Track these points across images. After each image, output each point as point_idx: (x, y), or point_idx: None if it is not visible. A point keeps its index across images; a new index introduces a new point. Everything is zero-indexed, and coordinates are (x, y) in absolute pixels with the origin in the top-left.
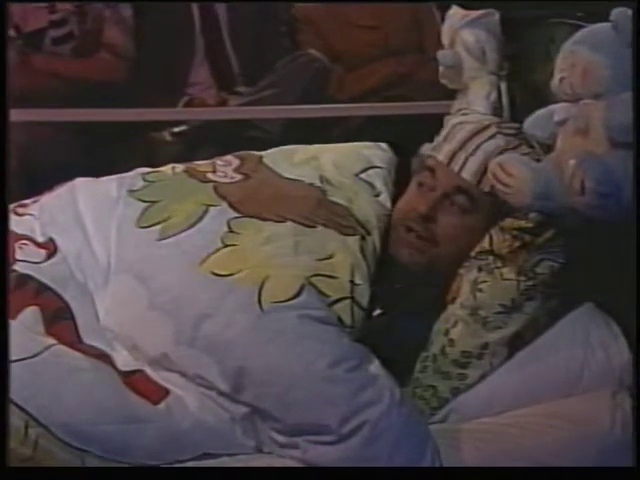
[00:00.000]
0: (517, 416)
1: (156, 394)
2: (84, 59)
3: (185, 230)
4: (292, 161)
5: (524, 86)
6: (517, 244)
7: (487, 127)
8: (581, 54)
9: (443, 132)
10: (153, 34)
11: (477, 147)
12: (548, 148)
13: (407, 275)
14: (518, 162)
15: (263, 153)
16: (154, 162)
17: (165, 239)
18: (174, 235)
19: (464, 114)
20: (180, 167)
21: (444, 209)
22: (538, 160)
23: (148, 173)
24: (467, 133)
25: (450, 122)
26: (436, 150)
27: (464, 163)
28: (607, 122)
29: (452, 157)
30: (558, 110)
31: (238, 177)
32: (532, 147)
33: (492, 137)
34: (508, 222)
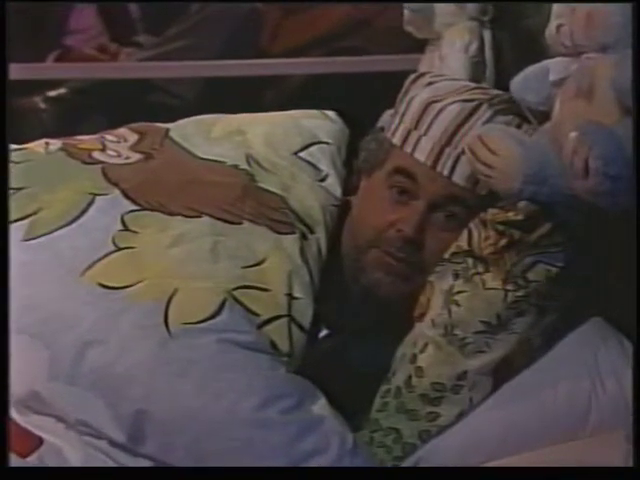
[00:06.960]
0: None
1: (25, 444)
2: None
3: (62, 227)
4: (209, 136)
5: (513, 35)
6: (503, 242)
7: (478, 108)
8: None
9: (401, 108)
10: None
11: None
12: (542, 116)
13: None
14: (504, 135)
15: (170, 125)
16: (20, 136)
17: (34, 239)
18: (47, 234)
19: (430, 83)
20: (56, 143)
21: (433, 224)
22: (530, 133)
23: (11, 151)
24: (452, 119)
25: (416, 98)
26: (391, 132)
27: (454, 164)
28: (616, 82)
29: (438, 157)
30: (555, 66)
31: (136, 157)
32: (529, 122)
33: (488, 122)
34: (491, 214)
